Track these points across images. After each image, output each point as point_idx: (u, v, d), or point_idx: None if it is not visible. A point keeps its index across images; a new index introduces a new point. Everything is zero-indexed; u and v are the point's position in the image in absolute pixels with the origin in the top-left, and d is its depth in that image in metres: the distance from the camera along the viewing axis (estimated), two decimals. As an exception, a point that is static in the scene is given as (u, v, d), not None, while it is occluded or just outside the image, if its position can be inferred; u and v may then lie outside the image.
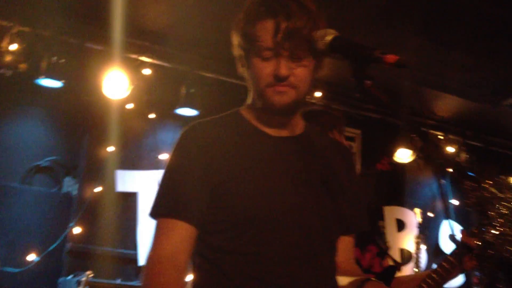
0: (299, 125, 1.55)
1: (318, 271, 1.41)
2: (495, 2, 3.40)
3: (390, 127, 4.88)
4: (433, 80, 4.55)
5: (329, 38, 1.32)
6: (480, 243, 1.80)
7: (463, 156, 5.29)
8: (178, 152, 1.47)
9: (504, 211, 1.77)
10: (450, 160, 5.20)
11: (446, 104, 5.02)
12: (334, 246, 1.51)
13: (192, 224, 1.40)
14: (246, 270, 1.37)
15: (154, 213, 1.45)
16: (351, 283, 1.47)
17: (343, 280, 1.48)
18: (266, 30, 1.39)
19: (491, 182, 1.82)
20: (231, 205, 1.39)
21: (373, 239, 2.19)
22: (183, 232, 1.40)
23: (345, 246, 1.56)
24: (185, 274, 1.40)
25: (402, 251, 4.92)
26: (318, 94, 4.54)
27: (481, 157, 5.43)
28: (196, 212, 1.40)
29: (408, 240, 4.98)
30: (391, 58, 1.17)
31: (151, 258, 1.40)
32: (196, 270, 1.44)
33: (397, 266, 2.17)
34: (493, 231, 1.78)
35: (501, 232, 1.75)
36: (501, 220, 1.77)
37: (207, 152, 1.42)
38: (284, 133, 1.50)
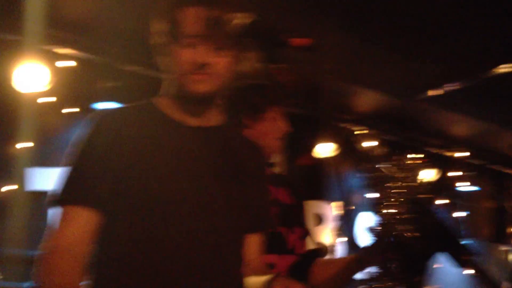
0: (216, 117, 1.51)
1: (222, 263, 1.40)
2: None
3: (312, 121, 4.93)
4: (352, 75, 4.61)
5: (244, 22, 1.33)
6: (376, 225, 1.84)
7: (381, 150, 5.43)
8: (81, 138, 1.40)
9: (398, 190, 1.80)
10: (368, 154, 5.32)
11: (365, 99, 5.13)
12: (240, 241, 1.50)
13: (93, 210, 1.34)
14: (148, 258, 1.33)
15: (51, 202, 1.37)
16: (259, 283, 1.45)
17: (251, 279, 1.47)
18: (188, 17, 1.38)
19: (389, 162, 1.86)
20: (134, 191, 1.35)
21: (300, 222, 2.16)
22: (82, 220, 1.34)
23: (252, 244, 1.55)
24: (82, 264, 1.34)
25: (320, 244, 5.00)
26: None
27: (399, 152, 5.59)
28: (97, 197, 1.35)
29: (326, 234, 5.08)
30: (298, 41, 1.19)
31: (47, 248, 1.33)
32: (97, 260, 1.38)
33: (322, 250, 2.19)
34: (387, 211, 1.82)
35: (394, 212, 1.79)
36: (395, 200, 1.81)
37: (112, 138, 1.38)
38: (197, 122, 1.47)
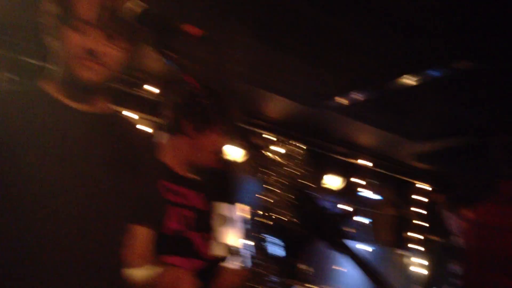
0: (104, 105, 1.50)
1: (103, 250, 1.38)
2: (323, 9, 3.52)
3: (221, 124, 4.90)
4: (263, 81, 4.63)
5: (137, 10, 1.28)
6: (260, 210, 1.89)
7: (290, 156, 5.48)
8: None
9: (281, 176, 1.84)
10: (275, 160, 5.35)
11: (274, 105, 5.16)
12: (123, 230, 1.48)
13: None
14: (27, 242, 1.30)
15: None
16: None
17: (137, 270, 1.47)
18: (84, 2, 1.35)
19: (272, 149, 1.91)
20: (17, 176, 1.31)
21: (211, 227, 2.18)
22: None
23: (139, 236, 1.53)
24: None
25: (226, 246, 4.98)
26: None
27: (307, 159, 5.67)
28: None
29: (232, 236, 5.05)
30: (189, 28, 1.17)
31: None
32: None
33: (228, 254, 2.21)
34: (271, 196, 1.86)
35: (278, 197, 1.83)
36: (277, 185, 1.84)
37: None
38: (85, 108, 1.45)
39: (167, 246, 1.88)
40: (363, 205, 6.26)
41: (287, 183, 1.83)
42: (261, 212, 1.83)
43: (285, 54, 4.11)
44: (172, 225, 1.94)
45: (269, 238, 1.82)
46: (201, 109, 2.03)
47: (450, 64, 3.94)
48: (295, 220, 1.78)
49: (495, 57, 3.79)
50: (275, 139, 5.30)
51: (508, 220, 2.09)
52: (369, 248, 6.33)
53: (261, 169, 1.89)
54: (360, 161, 6.10)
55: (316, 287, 4.32)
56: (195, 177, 2.18)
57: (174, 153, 2.08)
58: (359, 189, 6.14)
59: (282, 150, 1.90)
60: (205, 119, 2.05)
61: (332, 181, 5.86)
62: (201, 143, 2.08)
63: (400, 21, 3.56)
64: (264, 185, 1.89)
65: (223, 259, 2.20)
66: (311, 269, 4.50)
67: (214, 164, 2.13)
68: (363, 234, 6.28)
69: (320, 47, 3.99)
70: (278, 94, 4.85)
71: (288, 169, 1.86)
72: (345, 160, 6.02)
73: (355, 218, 6.25)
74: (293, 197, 1.75)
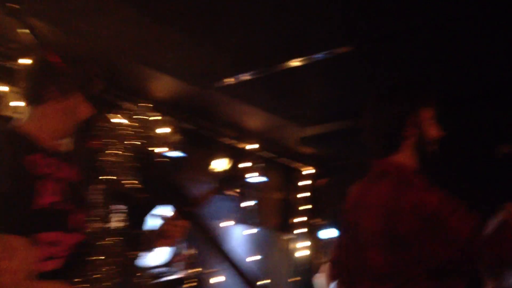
0: None
1: None
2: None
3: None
4: (149, 58, 4.46)
5: None
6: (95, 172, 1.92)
7: (177, 137, 5.36)
8: None
9: (122, 140, 1.85)
10: (162, 141, 5.21)
11: (161, 84, 5.01)
12: None
13: None
14: None
15: None
16: None
17: None
18: None
19: (120, 112, 1.95)
20: None
21: (85, 201, 2.12)
22: None
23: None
24: None
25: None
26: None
27: (194, 140, 5.59)
28: None
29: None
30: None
31: None
32: None
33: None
34: (109, 159, 1.87)
35: (117, 160, 1.85)
36: (118, 149, 1.85)
37: None
38: None
39: (43, 221, 1.86)
40: (248, 189, 6.28)
41: (130, 146, 1.80)
42: (106, 179, 1.81)
43: (171, 31, 3.97)
44: (46, 199, 1.90)
45: (113, 206, 1.81)
46: (62, 77, 2.02)
47: (332, 49, 4.02)
48: (139, 185, 1.78)
49: (373, 42, 3.92)
50: (160, 118, 5.15)
51: (374, 196, 2.18)
52: (253, 231, 6.38)
53: (102, 133, 1.87)
54: (247, 145, 6.11)
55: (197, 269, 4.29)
56: (67, 148, 2.15)
57: (40, 123, 2.05)
58: (245, 172, 6.15)
59: (130, 114, 1.90)
60: (68, 86, 2.04)
61: (219, 164, 5.82)
62: (66, 110, 2.07)
63: (289, 2, 3.56)
64: (104, 148, 1.88)
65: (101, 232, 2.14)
66: (195, 251, 4.44)
67: (72, 133, 2.13)
68: (248, 217, 6.31)
69: (209, 26, 3.90)
70: (163, 72, 4.70)
71: (134, 134, 1.83)
72: (231, 143, 6.00)
73: (241, 201, 6.26)
74: (135, 161, 1.76)
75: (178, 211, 1.88)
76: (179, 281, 4.32)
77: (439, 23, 3.63)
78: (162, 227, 2.08)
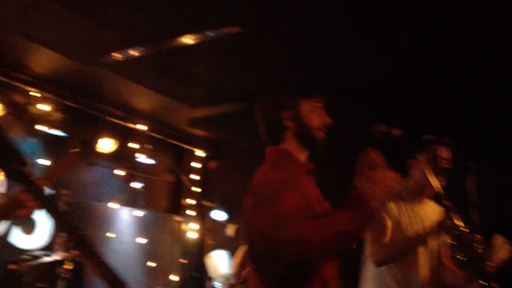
0: None
1: None
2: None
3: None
4: (27, 30, 4.13)
5: None
6: None
7: (58, 116, 5.08)
8: None
9: None
10: (42, 118, 4.91)
11: (42, 59, 4.68)
12: None
13: None
14: None
15: None
16: None
17: None
18: None
19: None
20: None
21: None
22: None
23: None
24: None
25: None
26: None
27: (77, 119, 5.32)
28: None
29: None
30: None
31: None
32: None
33: None
34: None
35: None
36: None
37: None
38: None
39: None
40: (137, 170, 6.11)
41: None
42: None
43: (54, 2, 3.69)
44: None
45: None
46: None
47: (223, 27, 3.93)
48: None
49: (264, 23, 3.89)
50: (39, 95, 4.84)
51: (255, 178, 2.31)
52: (141, 213, 6.23)
53: None
54: (136, 125, 5.91)
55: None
56: None
57: None
58: (133, 153, 5.96)
59: None
60: None
61: (106, 144, 5.58)
62: None
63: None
64: None
65: None
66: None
67: None
68: (136, 199, 6.15)
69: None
70: (44, 46, 4.39)
71: None
72: (120, 123, 5.78)
73: (129, 183, 6.08)
74: None
75: (7, 170, 1.80)
76: (58, 263, 4.16)
77: (330, 5, 3.63)
78: (15, 195, 1.97)
